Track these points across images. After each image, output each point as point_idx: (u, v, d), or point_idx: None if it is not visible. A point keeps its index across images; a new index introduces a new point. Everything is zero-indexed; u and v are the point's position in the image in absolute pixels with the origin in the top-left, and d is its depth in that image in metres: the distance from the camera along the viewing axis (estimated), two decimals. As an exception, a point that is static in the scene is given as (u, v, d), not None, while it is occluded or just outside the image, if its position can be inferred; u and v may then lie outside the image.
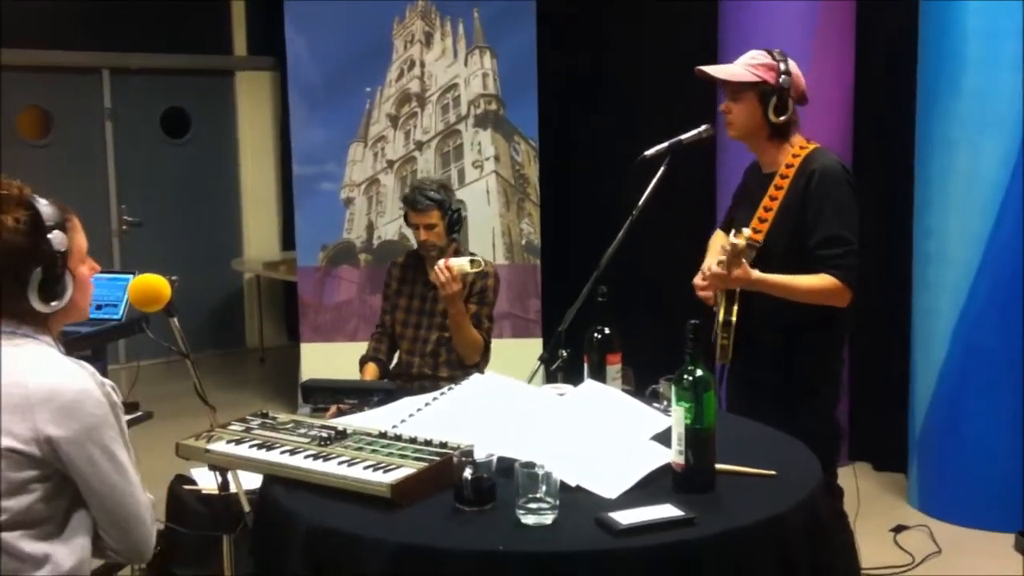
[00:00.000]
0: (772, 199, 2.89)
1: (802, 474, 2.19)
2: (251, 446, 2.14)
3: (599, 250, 3.14)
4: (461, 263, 3.58)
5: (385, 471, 1.97)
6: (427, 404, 2.35)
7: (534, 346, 6.36)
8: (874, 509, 4.70)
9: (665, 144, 3.09)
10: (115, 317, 3.38)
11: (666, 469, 2.09)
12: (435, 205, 3.74)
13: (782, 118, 2.84)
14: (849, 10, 5.05)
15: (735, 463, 2.16)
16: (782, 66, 2.83)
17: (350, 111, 6.23)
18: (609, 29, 6.38)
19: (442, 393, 2.41)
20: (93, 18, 7.18)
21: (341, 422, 2.27)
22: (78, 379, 1.87)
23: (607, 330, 2.50)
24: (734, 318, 2.90)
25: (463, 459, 1.93)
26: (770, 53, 2.87)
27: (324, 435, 2.15)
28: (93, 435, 1.85)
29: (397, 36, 6.26)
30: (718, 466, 2.09)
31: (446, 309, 3.67)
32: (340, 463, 2.03)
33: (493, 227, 6.28)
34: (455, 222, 3.82)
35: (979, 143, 4.35)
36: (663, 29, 5.95)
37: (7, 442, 1.82)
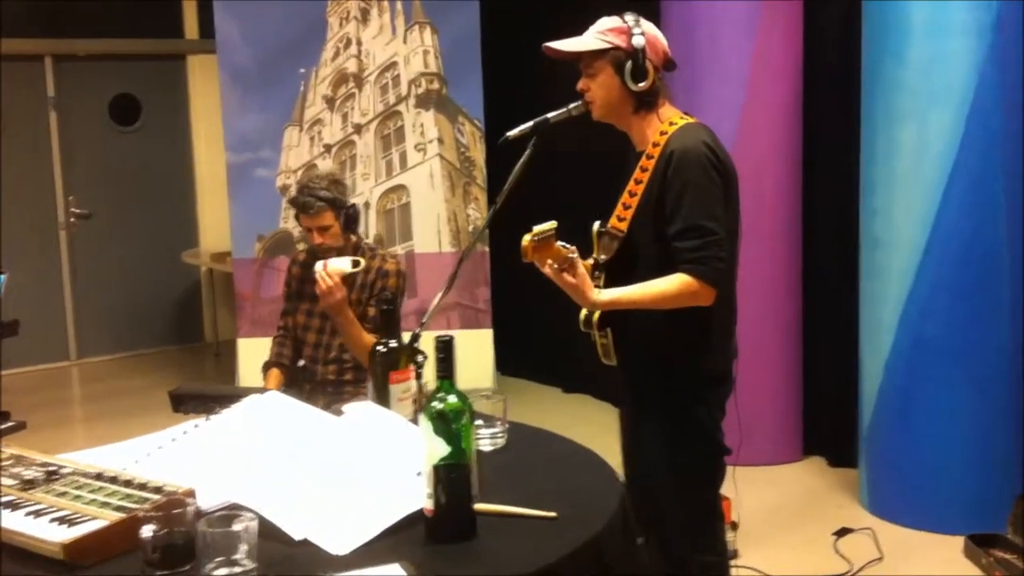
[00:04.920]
0: (637, 182, 2.56)
1: (593, 509, 1.84)
2: (-54, 491, 1.84)
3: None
4: (341, 265, 3.29)
5: (71, 525, 1.66)
6: (185, 433, 2.04)
7: (484, 337, 6.05)
8: (822, 509, 4.37)
9: (530, 123, 2.81)
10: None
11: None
12: (327, 205, 3.42)
13: (642, 85, 2.52)
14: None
15: (521, 499, 1.83)
16: (635, 29, 2.52)
17: (284, 94, 5.91)
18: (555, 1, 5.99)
19: (207, 419, 2.09)
20: (34, 3, 6.91)
21: (66, 459, 1.96)
22: None
23: (392, 343, 2.17)
24: (596, 315, 2.58)
25: (151, 512, 1.61)
26: (620, 17, 2.56)
27: (33, 476, 1.84)
28: None
29: (332, 13, 5.92)
30: (482, 507, 1.76)
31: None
32: (28, 513, 1.71)
33: (438, 213, 5.96)
34: (351, 219, 3.51)
35: (926, 115, 3.96)
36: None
37: None
